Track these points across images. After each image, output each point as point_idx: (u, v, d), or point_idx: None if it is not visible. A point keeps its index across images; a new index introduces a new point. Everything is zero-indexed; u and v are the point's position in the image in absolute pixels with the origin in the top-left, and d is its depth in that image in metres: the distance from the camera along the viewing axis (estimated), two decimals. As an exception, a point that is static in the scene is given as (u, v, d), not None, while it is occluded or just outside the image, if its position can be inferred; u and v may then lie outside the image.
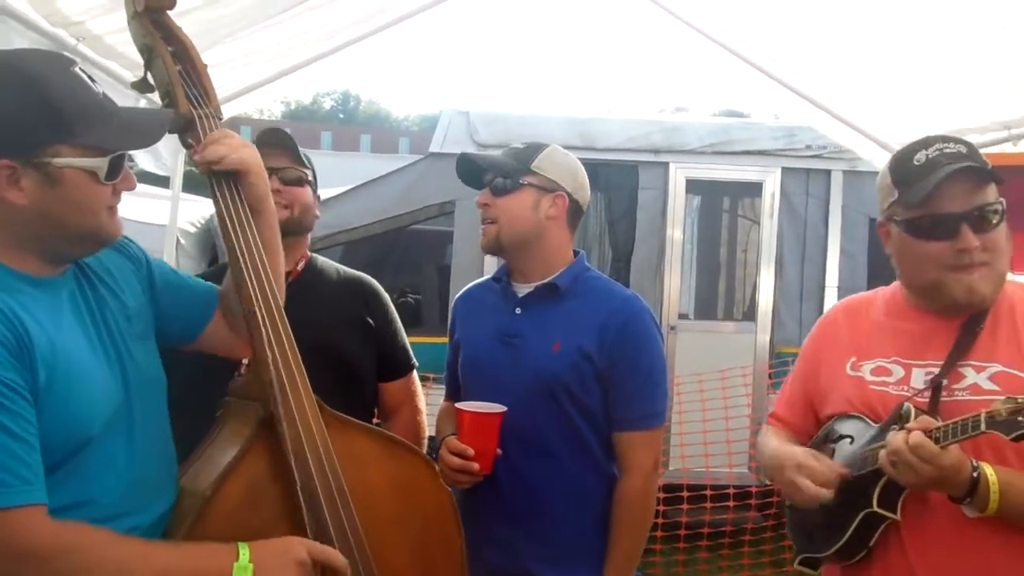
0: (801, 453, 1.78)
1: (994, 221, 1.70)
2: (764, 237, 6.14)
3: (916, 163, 1.73)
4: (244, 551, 1.37)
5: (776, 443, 1.93)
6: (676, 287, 6.12)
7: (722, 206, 7.06)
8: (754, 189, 6.25)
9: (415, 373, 2.46)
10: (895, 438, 1.57)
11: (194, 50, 1.62)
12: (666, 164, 6.09)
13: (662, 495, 5.26)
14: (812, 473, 1.72)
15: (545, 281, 2.16)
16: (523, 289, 2.19)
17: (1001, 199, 1.72)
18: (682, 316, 6.23)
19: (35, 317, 1.30)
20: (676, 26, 3.90)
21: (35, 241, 1.35)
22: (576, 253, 2.23)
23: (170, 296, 1.61)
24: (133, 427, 1.44)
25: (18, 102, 1.29)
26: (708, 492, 5.27)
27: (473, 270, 5.75)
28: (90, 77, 1.38)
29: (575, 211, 2.20)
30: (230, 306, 1.66)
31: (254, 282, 1.53)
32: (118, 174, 1.39)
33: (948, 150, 1.71)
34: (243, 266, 1.53)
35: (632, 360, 2.09)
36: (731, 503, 5.40)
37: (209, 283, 1.71)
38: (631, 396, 2.09)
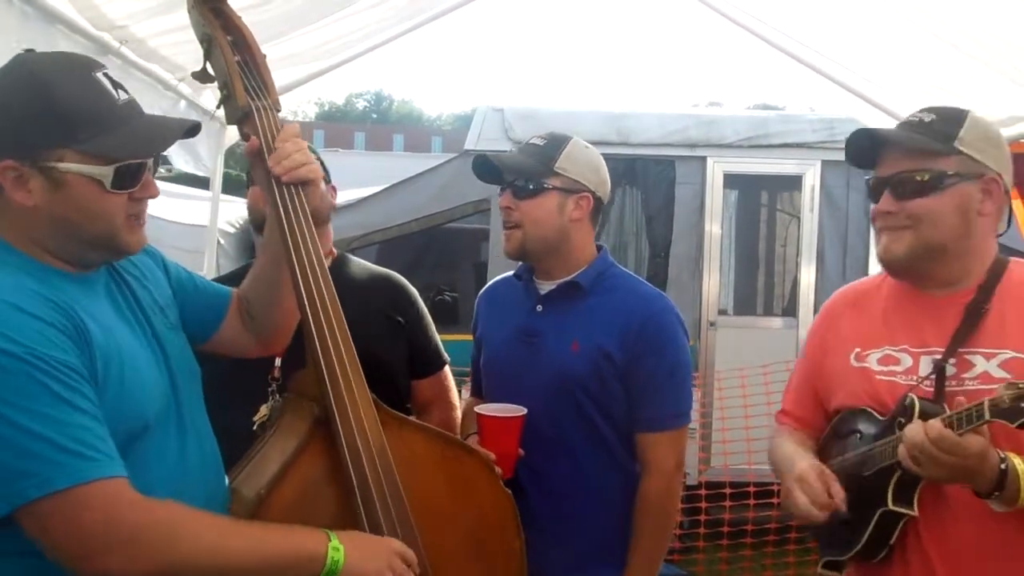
0: (807, 465, 1.71)
1: (907, 189, 1.67)
2: (804, 231, 6.05)
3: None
4: (332, 534, 1.40)
5: (788, 445, 1.87)
6: (715, 282, 6.06)
7: (761, 200, 6.97)
8: (794, 183, 6.16)
9: (448, 369, 2.44)
10: (913, 432, 1.48)
11: (253, 41, 1.60)
12: (703, 158, 6.03)
13: (704, 492, 5.22)
14: (811, 492, 1.65)
15: (567, 279, 2.12)
16: (545, 286, 2.15)
17: (928, 168, 1.65)
18: (721, 312, 6.16)
19: (85, 309, 1.31)
20: (708, 15, 3.83)
21: (56, 244, 1.35)
22: (600, 248, 2.18)
23: (185, 296, 1.62)
24: (182, 416, 1.45)
25: (24, 105, 1.28)
26: (751, 489, 5.20)
27: (509, 267, 5.73)
28: (115, 84, 1.36)
29: (598, 208, 2.16)
30: (248, 308, 1.67)
31: (312, 284, 1.52)
32: (131, 183, 1.36)
33: (912, 119, 1.71)
34: (302, 269, 1.52)
35: (654, 360, 2.04)
36: (775, 500, 5.30)
37: (223, 286, 1.72)
38: (654, 396, 2.05)
